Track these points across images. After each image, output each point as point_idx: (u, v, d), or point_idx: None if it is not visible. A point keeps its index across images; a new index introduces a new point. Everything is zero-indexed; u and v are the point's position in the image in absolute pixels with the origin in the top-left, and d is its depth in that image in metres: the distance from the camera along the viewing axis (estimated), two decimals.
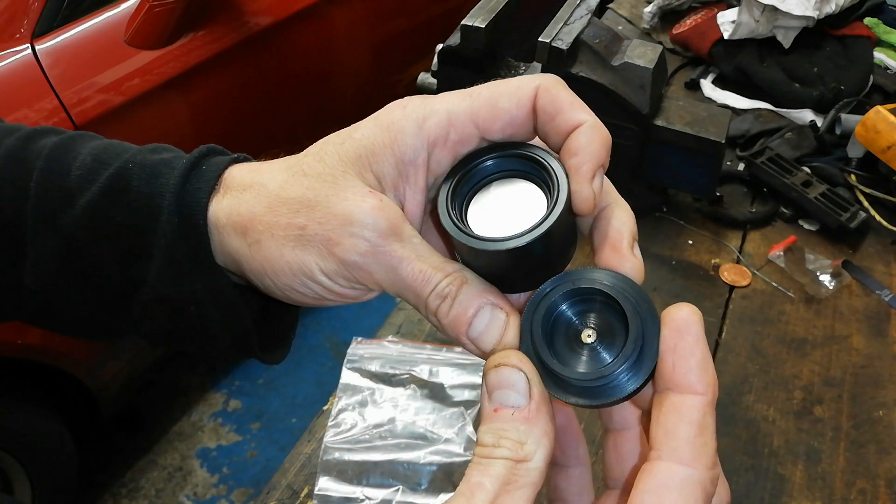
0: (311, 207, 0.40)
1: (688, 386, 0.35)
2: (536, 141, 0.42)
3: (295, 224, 0.40)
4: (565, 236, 0.40)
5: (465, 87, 0.41)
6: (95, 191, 0.46)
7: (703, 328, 0.37)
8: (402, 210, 0.41)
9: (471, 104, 0.40)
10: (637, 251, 0.40)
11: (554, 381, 0.38)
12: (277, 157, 0.44)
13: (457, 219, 0.39)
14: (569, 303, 0.39)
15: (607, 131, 0.39)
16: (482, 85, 0.41)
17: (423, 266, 0.40)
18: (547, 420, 0.36)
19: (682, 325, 0.36)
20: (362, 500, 0.88)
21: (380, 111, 0.42)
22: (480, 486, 0.34)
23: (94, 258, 0.46)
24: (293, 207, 0.41)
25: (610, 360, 0.37)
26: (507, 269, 0.40)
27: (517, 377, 0.37)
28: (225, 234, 0.43)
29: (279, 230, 0.41)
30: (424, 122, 0.40)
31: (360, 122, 0.42)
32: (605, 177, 0.40)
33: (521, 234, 0.38)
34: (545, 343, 0.38)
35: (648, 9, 1.84)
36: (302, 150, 0.44)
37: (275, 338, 0.51)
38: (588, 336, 0.38)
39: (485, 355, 0.39)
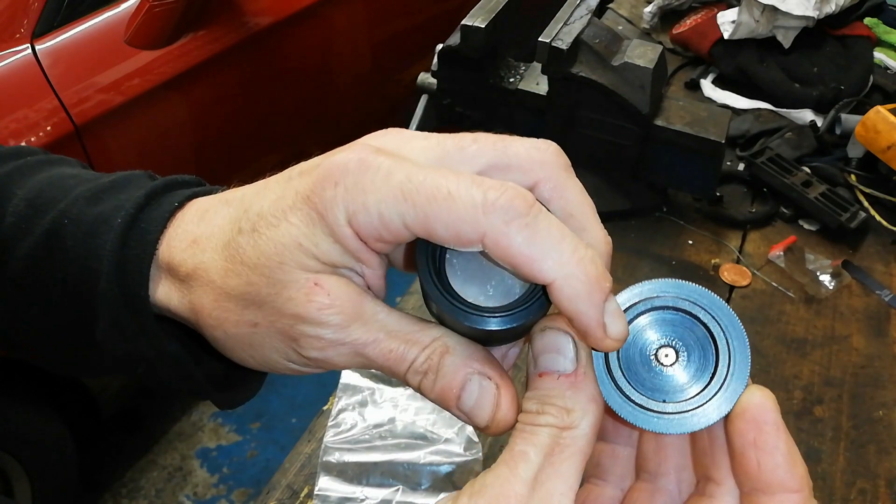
0: (258, 305, 0.37)
1: (779, 485, 0.32)
2: None
3: (245, 321, 0.38)
4: None
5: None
6: (31, 244, 0.44)
7: (779, 412, 0.33)
8: (364, 278, 0.37)
9: (403, 217, 0.33)
10: (615, 321, 0.33)
11: (622, 398, 0.35)
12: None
13: (439, 284, 0.35)
14: (658, 317, 0.36)
15: (590, 259, 0.33)
16: (427, 179, 0.33)
17: (394, 344, 0.36)
18: (594, 386, 0.34)
19: (759, 413, 0.33)
20: (362, 500, 0.88)
21: (315, 182, 0.35)
22: (524, 456, 0.33)
23: (44, 302, 0.45)
24: (240, 304, 0.37)
25: (691, 395, 0.35)
26: (498, 337, 0.37)
27: (564, 341, 0.34)
28: (175, 314, 0.41)
29: (231, 327, 0.38)
30: (354, 216, 0.34)
31: (293, 197, 0.36)
32: (546, 219, 0.33)
33: (519, 311, 0.35)
34: (618, 361, 0.36)
35: (648, 9, 1.84)
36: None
37: (239, 392, 0.49)
38: (666, 356, 0.36)
39: (484, 430, 0.35)
